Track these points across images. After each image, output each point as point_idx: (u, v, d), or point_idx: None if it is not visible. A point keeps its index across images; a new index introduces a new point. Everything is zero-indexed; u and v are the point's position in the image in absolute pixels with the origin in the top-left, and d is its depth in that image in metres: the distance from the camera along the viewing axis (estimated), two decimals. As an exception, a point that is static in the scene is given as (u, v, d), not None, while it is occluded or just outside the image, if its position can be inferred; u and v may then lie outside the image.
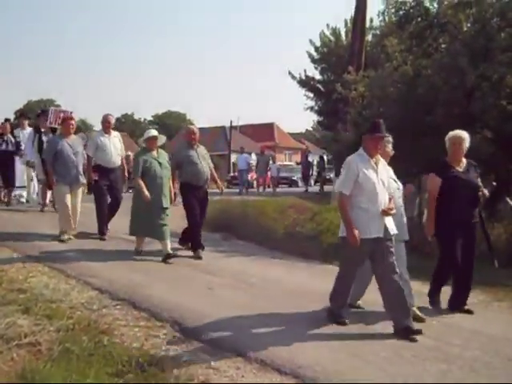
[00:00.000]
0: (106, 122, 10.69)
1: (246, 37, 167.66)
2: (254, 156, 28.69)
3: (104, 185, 10.33)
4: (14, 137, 14.06)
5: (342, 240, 6.08)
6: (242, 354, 5.07)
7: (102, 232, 10.40)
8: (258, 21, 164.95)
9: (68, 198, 9.81)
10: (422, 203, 12.96)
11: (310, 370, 4.75)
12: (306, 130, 69.46)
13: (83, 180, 10.21)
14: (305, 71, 28.98)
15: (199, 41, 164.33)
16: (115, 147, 10.59)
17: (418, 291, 7.23)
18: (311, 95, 28.79)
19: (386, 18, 13.96)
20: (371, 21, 25.20)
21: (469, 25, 11.20)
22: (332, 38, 28.38)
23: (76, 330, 5.44)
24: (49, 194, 12.95)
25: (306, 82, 28.81)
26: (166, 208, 8.99)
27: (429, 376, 4.76)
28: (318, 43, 28.73)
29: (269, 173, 26.55)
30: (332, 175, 38.57)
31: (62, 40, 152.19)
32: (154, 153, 9.08)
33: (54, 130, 12.55)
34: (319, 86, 28.67)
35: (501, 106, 10.08)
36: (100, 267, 8.21)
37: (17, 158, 14.08)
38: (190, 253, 9.56)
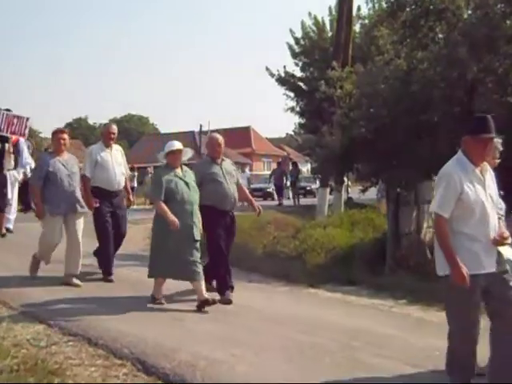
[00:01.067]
0: (108, 132, 9.64)
1: (217, 29, 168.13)
2: None
3: (107, 212, 9.36)
4: None
5: (443, 280, 5.18)
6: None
7: (108, 271, 9.44)
8: (230, 10, 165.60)
9: (56, 233, 8.79)
10: (420, 216, 13.05)
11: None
12: (287, 134, 69.84)
13: (84, 208, 9.04)
14: (284, 67, 29.04)
15: (161, 37, 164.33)
16: (118, 164, 9.60)
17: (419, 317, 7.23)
18: (292, 95, 28.83)
19: (376, 6, 14.05)
20: (358, 9, 25.40)
21: (469, 11, 11.28)
22: (314, 29, 28.49)
23: (21, 371, 5.34)
24: (6, 220, 12.81)
25: (285, 80, 28.84)
26: (198, 241, 7.99)
27: None
28: (300, 34, 28.82)
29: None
30: (314, 186, 38.67)
31: (7, 42, 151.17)
32: (179, 170, 8.10)
33: (3, 141, 12.03)
34: (301, 83, 28.74)
35: (507, 104, 10.15)
36: (47, 297, 8.11)
37: None
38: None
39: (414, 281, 9.79)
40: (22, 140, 12.92)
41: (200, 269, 7.88)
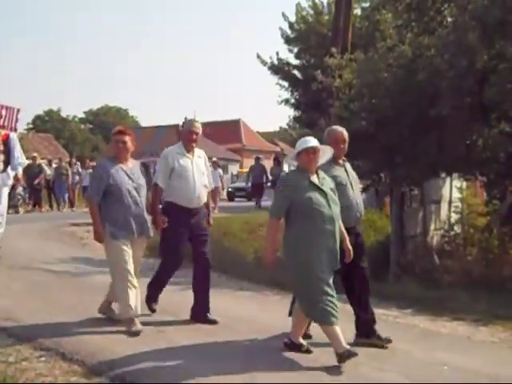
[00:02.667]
0: (189, 131, 8.05)
1: (201, 13, 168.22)
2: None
3: (180, 235, 7.82)
4: None
5: None
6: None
7: (150, 306, 8.11)
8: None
9: (129, 260, 7.21)
10: (427, 217, 13.08)
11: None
12: (280, 128, 69.83)
13: (150, 231, 7.60)
14: (277, 54, 29.00)
15: (143, 23, 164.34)
16: (200, 174, 8.01)
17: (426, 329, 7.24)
18: (286, 84, 28.81)
19: (378, -14, 14.04)
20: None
21: (481, -8, 11.31)
22: (311, 12, 28.48)
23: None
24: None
25: (278, 68, 28.78)
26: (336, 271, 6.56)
27: None
28: (294, 18, 28.80)
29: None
30: None
31: None
32: (315, 177, 6.49)
33: None
34: (295, 72, 28.74)
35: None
36: (17, 307, 8.08)
37: None
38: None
39: (420, 288, 9.82)
40: (12, 135, 11.71)
41: (335, 309, 6.30)
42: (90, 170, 28.42)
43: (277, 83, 28.88)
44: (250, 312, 8.61)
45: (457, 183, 14.06)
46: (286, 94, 28.82)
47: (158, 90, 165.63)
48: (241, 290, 10.08)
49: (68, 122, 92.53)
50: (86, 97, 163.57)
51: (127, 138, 7.43)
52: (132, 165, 7.53)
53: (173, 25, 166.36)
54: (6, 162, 11.26)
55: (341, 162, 7.37)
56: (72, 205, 26.39)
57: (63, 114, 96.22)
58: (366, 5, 24.97)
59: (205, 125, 49.66)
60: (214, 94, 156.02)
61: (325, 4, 28.27)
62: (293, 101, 28.84)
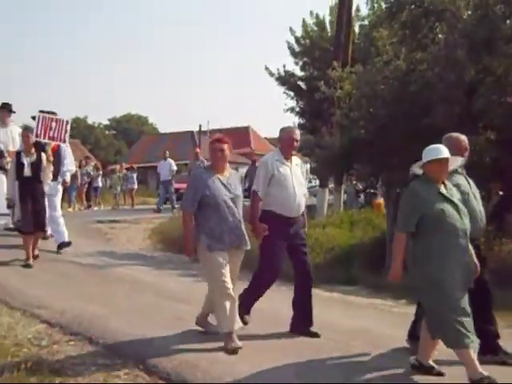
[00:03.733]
0: (290, 138, 7.18)
1: (216, 28, 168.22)
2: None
3: (280, 245, 6.94)
4: None
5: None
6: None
7: (243, 318, 6.85)
8: (229, 10, 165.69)
9: (227, 272, 6.32)
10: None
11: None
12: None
13: (248, 243, 6.61)
14: (284, 66, 28.99)
15: (161, 38, 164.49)
16: (299, 183, 7.16)
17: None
18: (291, 94, 28.79)
19: (375, 6, 14.05)
20: (358, 10, 25.35)
21: (469, 12, 11.30)
22: (315, 29, 28.47)
23: (22, 371, 5.35)
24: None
25: (285, 79, 28.76)
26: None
27: None
28: (300, 33, 28.77)
29: None
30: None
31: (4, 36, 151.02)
32: (443, 188, 5.69)
33: (39, 148, 10.31)
34: (300, 83, 28.71)
35: (506, 104, 10.18)
36: (49, 296, 8.12)
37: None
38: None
39: (413, 281, 9.80)
40: (62, 146, 11.59)
41: (470, 331, 5.37)
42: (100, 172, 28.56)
43: (283, 93, 28.88)
44: (258, 302, 8.62)
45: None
46: (292, 103, 28.76)
47: (174, 98, 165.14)
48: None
49: (94, 128, 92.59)
50: (109, 105, 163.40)
51: (225, 147, 6.55)
52: (229, 174, 6.63)
53: (186, 37, 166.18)
54: (56, 172, 11.16)
55: (460, 169, 6.44)
56: (89, 204, 26.35)
57: (89, 121, 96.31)
58: (365, 23, 24.95)
59: (217, 131, 49.54)
60: (226, 103, 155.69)
61: (328, 21, 28.25)
62: (298, 109, 28.78)
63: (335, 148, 12.86)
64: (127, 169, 29.51)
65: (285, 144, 7.17)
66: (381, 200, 19.08)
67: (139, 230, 15.39)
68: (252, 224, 6.88)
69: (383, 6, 13.05)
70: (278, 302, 8.38)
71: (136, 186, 29.23)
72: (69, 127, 11.27)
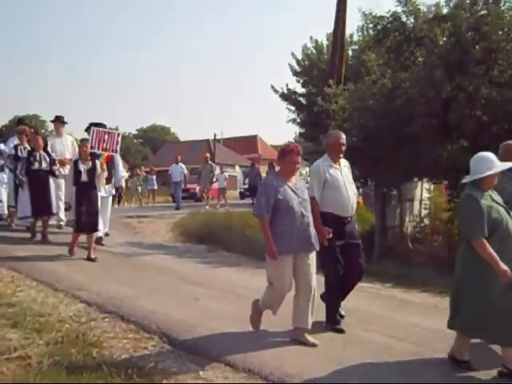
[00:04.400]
0: (338, 143, 6.65)
1: (230, 51, 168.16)
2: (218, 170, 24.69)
3: (337, 247, 6.38)
4: (48, 153, 11.19)
5: None
6: (230, 364, 5.07)
7: (332, 320, 6.40)
8: (242, 34, 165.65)
9: (287, 278, 5.83)
10: (403, 212, 13.09)
11: (298, 378, 4.76)
12: (288, 141, 69.66)
13: (317, 245, 5.97)
14: (287, 85, 29.06)
15: (184, 54, 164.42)
16: (350, 183, 6.68)
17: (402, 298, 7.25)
18: (293, 108, 28.84)
19: (365, 33, 14.07)
20: (351, 36, 25.36)
21: (444, 38, 11.31)
22: (314, 52, 28.51)
23: (65, 343, 5.40)
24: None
25: (287, 96, 28.84)
26: None
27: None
28: (300, 56, 28.85)
29: (216, 184, 23.54)
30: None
31: (44, 54, 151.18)
32: (492, 194, 5.16)
33: (94, 157, 10.05)
34: (301, 98, 28.74)
35: (476, 117, 10.19)
36: (87, 280, 8.15)
37: (51, 180, 11.25)
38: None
39: (397, 267, 9.84)
40: (115, 156, 11.28)
41: None
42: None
43: (286, 107, 28.92)
44: (265, 285, 8.63)
45: (426, 186, 14.02)
46: (293, 115, 28.82)
47: (192, 111, 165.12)
48: (257, 268, 10.09)
49: (124, 137, 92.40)
50: (138, 117, 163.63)
51: (299, 159, 5.99)
52: (295, 180, 6.03)
53: (200, 53, 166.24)
54: (109, 178, 10.99)
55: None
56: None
57: (120, 130, 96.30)
58: (356, 47, 24.95)
59: (229, 139, 49.23)
60: (238, 115, 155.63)
61: (325, 45, 28.28)
62: (298, 120, 28.81)
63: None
64: (147, 172, 29.46)
65: (333, 148, 6.64)
66: (359, 198, 19.27)
67: (163, 224, 15.41)
68: (316, 228, 6.05)
69: (371, 32, 13.03)
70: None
71: (156, 187, 29.02)
72: (120, 139, 11.01)
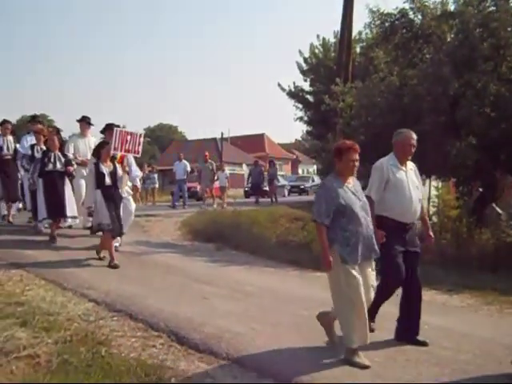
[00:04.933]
0: (409, 144, 6.14)
1: (236, 49, 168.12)
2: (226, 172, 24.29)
3: (398, 252, 5.81)
4: (64, 154, 10.95)
5: None
6: (238, 363, 5.06)
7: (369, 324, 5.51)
8: (247, 32, 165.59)
9: (360, 286, 5.18)
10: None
11: (307, 377, 4.74)
12: (296, 139, 69.81)
13: (378, 252, 5.47)
14: (294, 83, 29.05)
15: (188, 54, 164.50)
16: (415, 187, 6.08)
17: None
18: (300, 106, 28.81)
19: (374, 31, 14.04)
20: (360, 33, 25.31)
21: (452, 35, 11.30)
22: (321, 50, 28.48)
23: (74, 342, 5.40)
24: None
25: (295, 94, 28.83)
26: None
27: (423, 379, 4.76)
28: (308, 54, 28.81)
29: (217, 182, 22.99)
30: (308, 185, 38.11)
31: (51, 54, 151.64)
32: None
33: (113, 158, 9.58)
34: (308, 96, 28.71)
35: (485, 114, 10.16)
36: (96, 279, 8.17)
37: (67, 181, 11.00)
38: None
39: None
40: (128, 156, 10.69)
41: None
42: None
43: (293, 105, 28.90)
44: (273, 283, 8.64)
45: (434, 183, 13.98)
46: (301, 113, 28.84)
47: (200, 110, 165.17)
48: (266, 267, 10.10)
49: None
50: (145, 116, 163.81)
51: (358, 157, 5.44)
52: (352, 181, 5.50)
53: (209, 52, 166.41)
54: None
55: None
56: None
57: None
58: (363, 44, 24.92)
59: (236, 138, 49.12)
60: (245, 113, 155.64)
61: (332, 43, 28.23)
62: (306, 118, 28.83)
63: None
64: (149, 171, 29.27)
65: (400, 149, 6.11)
66: None
67: (171, 222, 15.40)
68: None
69: (379, 30, 13.00)
70: (290, 283, 8.42)
71: (157, 185, 28.69)
72: (142, 140, 10.54)
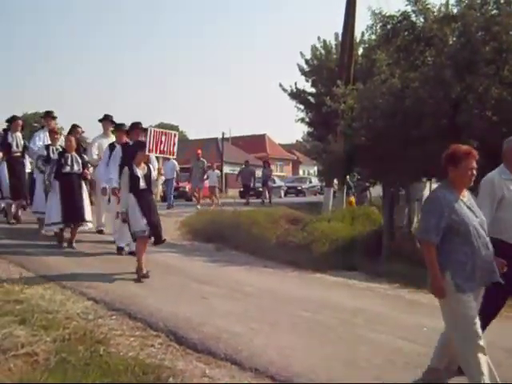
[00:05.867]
0: None
1: (237, 49, 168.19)
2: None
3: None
4: (81, 155, 10.53)
5: None
6: (236, 363, 5.06)
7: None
8: (247, 33, 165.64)
9: (477, 317, 4.42)
10: (411, 212, 13.04)
11: (305, 378, 4.74)
12: (297, 140, 69.78)
13: (499, 277, 4.55)
14: (295, 84, 28.99)
15: (191, 54, 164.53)
16: None
17: (410, 299, 7.22)
18: (302, 107, 28.78)
19: (376, 33, 14.01)
20: (362, 35, 25.24)
21: (454, 38, 11.26)
22: (323, 52, 28.46)
23: (72, 340, 5.40)
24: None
25: (296, 94, 28.77)
26: None
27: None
28: (309, 56, 28.79)
29: (207, 182, 22.40)
30: (305, 186, 38.08)
31: (55, 52, 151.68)
32: None
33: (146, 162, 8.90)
34: (310, 98, 28.69)
35: (486, 117, 10.13)
36: (95, 277, 8.16)
37: (83, 184, 10.49)
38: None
39: (405, 267, 9.77)
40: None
41: None
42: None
43: (295, 106, 28.86)
44: (272, 284, 8.64)
45: (435, 186, 14.00)
46: (302, 114, 28.73)
47: (201, 110, 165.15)
48: (265, 268, 10.10)
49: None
50: (145, 116, 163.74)
51: (472, 159, 4.65)
52: (467, 194, 4.67)
53: (209, 52, 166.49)
54: None
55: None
56: None
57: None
58: (365, 46, 24.90)
59: (237, 138, 49.07)
60: (246, 114, 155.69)
61: (333, 45, 28.20)
62: (307, 119, 28.73)
63: (339, 153, 12.87)
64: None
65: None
66: (352, 198, 19.87)
67: (171, 222, 15.36)
68: None
69: (380, 32, 12.97)
70: (289, 284, 8.41)
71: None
72: (176, 140, 9.80)
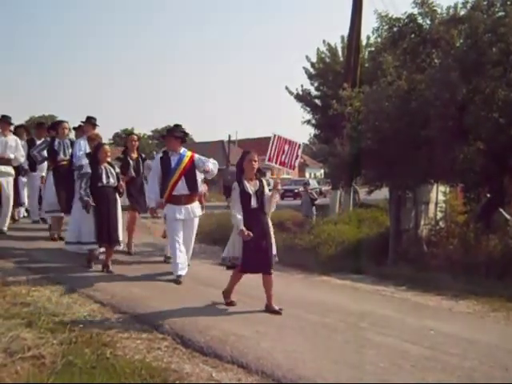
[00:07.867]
0: None
1: (244, 52, 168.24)
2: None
3: None
4: (113, 166, 9.19)
5: None
6: (243, 366, 5.05)
7: None
8: (256, 36, 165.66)
9: None
10: (418, 215, 13.01)
11: (311, 381, 4.72)
12: (303, 143, 69.64)
13: None
14: (302, 86, 29.02)
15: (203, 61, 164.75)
16: None
17: (417, 302, 7.20)
18: (308, 109, 28.79)
19: (382, 35, 14.01)
20: (368, 38, 25.28)
21: (461, 40, 11.25)
22: (328, 54, 28.45)
23: (79, 343, 5.40)
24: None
25: (302, 97, 28.80)
26: None
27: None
28: (315, 59, 28.79)
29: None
30: (302, 189, 37.87)
31: (61, 56, 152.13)
32: None
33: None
34: (316, 100, 28.70)
35: (493, 119, 10.11)
36: (102, 280, 8.18)
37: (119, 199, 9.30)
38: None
39: (412, 271, 9.78)
40: (196, 156, 9.27)
41: None
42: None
43: (301, 107, 28.88)
44: (279, 287, 8.61)
45: (442, 188, 13.93)
46: (308, 117, 28.79)
47: (208, 112, 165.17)
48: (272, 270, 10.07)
49: (139, 139, 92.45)
50: (152, 118, 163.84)
51: None
52: None
53: (214, 54, 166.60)
54: None
55: None
56: None
57: (135, 132, 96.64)
58: (371, 49, 24.89)
59: (244, 140, 49.22)
60: (253, 116, 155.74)
61: (339, 48, 28.21)
62: (313, 122, 28.77)
63: (345, 156, 12.88)
64: None
65: None
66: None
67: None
68: None
69: (387, 34, 12.96)
70: (295, 287, 8.39)
71: None
72: (300, 152, 7.86)
